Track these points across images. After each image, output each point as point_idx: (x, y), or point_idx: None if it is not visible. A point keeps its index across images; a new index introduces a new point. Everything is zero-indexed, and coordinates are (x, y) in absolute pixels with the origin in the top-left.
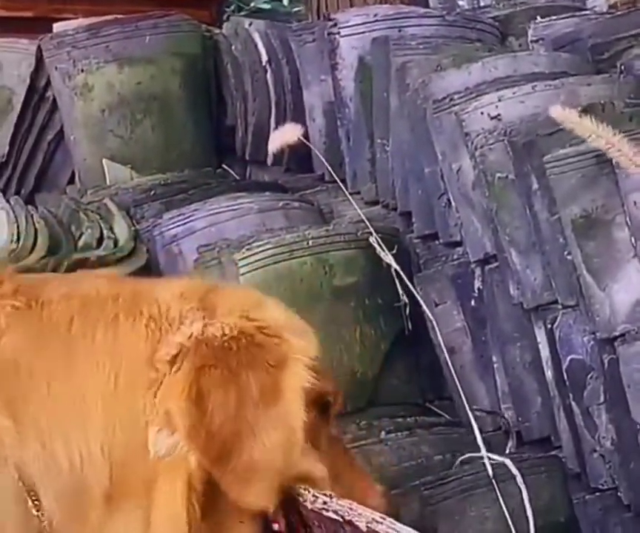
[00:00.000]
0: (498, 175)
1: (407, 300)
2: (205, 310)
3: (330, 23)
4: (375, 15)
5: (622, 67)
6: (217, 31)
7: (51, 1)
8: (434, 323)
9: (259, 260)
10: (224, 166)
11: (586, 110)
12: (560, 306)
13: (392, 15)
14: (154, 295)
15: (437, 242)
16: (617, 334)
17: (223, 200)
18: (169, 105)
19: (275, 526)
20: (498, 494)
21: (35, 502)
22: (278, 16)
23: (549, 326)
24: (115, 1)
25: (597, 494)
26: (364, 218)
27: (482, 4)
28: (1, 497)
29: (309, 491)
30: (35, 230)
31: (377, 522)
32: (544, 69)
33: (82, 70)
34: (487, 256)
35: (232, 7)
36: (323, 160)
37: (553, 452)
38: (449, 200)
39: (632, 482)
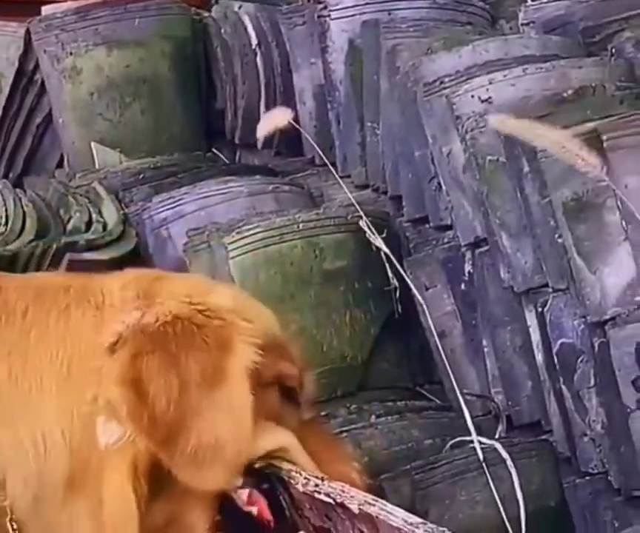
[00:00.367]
0: (489, 158)
1: (397, 284)
2: (145, 298)
3: (320, 6)
4: None
5: (613, 50)
6: (206, 14)
7: None
8: (424, 306)
9: (249, 243)
10: (213, 149)
11: (577, 93)
12: (550, 290)
13: None
14: (101, 286)
15: (427, 226)
16: (607, 317)
17: (212, 183)
18: (158, 88)
19: (253, 509)
20: (489, 478)
21: None
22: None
23: (539, 309)
24: None
25: (587, 477)
26: (354, 201)
27: None
28: None
29: (300, 474)
30: (24, 213)
31: (369, 504)
32: (535, 52)
33: (71, 53)
34: (477, 240)
35: None
36: (313, 143)
37: (543, 436)
38: (439, 183)
39: (623, 466)
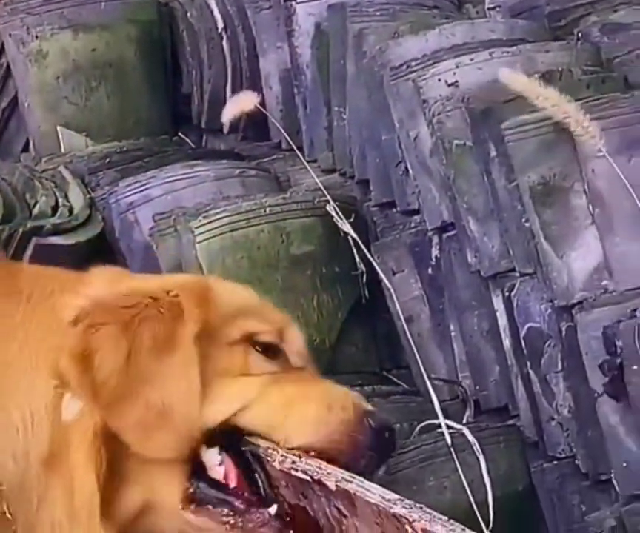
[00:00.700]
0: (456, 142)
1: (364, 269)
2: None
3: None
4: None
5: (579, 35)
6: None
7: None
8: (392, 291)
9: (216, 227)
10: (180, 134)
11: (544, 77)
12: (518, 274)
13: None
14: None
15: (394, 210)
16: (575, 301)
17: (179, 168)
18: (124, 72)
19: (219, 470)
20: (457, 463)
21: None
22: None
23: (506, 294)
24: None
25: (555, 462)
26: (321, 186)
27: None
28: None
29: (277, 451)
30: None
31: (346, 480)
32: (502, 36)
33: (36, 37)
34: (444, 224)
35: None
36: (280, 127)
37: (511, 421)
38: (406, 168)
39: (590, 450)
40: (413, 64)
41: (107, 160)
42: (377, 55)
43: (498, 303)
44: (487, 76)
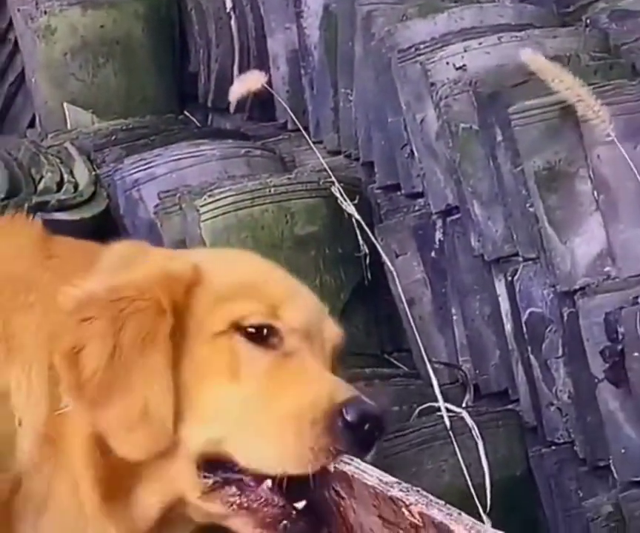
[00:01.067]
0: (463, 125)
1: (367, 251)
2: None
3: None
4: None
5: (587, 21)
6: None
7: None
8: (394, 273)
9: (221, 206)
10: (186, 112)
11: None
12: (521, 259)
13: None
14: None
15: (399, 193)
16: (577, 287)
17: (185, 146)
18: (132, 50)
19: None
20: (456, 446)
21: None
22: None
23: (509, 278)
24: None
25: (553, 447)
26: (326, 166)
27: None
28: None
29: None
30: None
31: (345, 463)
32: (510, 21)
33: (45, 12)
34: (448, 207)
35: None
36: (286, 107)
37: (510, 405)
38: (412, 150)
39: (588, 436)
40: (421, 46)
41: (113, 137)
42: (385, 38)
43: (500, 288)
44: (495, 60)
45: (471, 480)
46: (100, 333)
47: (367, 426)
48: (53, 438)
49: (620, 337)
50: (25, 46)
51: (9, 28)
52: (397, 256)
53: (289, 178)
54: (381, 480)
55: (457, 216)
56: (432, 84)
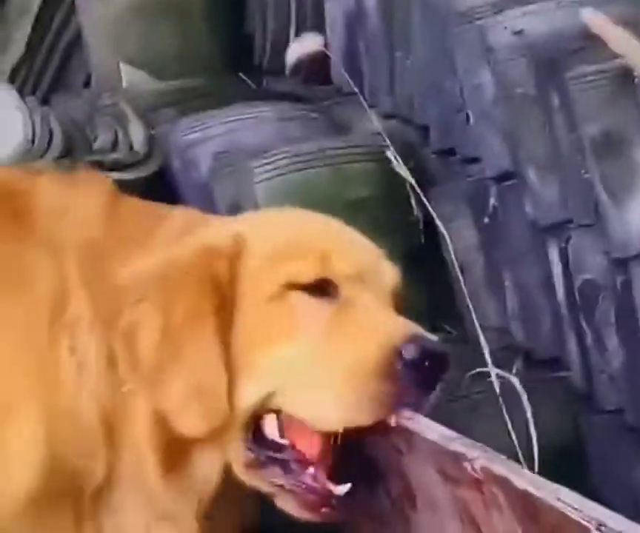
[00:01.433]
0: (519, 90)
1: (421, 216)
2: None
3: None
4: None
5: None
6: None
7: None
8: (448, 239)
9: (275, 168)
10: (240, 74)
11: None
12: (575, 225)
13: None
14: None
15: (453, 158)
16: (632, 254)
17: (240, 107)
18: (187, 10)
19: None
20: (505, 413)
21: None
22: None
23: (562, 245)
24: None
25: (604, 415)
26: (381, 131)
27: None
28: None
29: None
30: (50, 130)
31: (406, 418)
32: None
33: None
34: (503, 173)
35: None
36: (342, 70)
37: (562, 373)
38: (467, 115)
39: (639, 404)
40: (479, 10)
41: (168, 97)
42: (442, 2)
43: (553, 254)
44: (554, 25)
45: (520, 446)
46: (150, 313)
47: (427, 363)
48: (123, 414)
49: None
50: (82, 6)
51: None
52: (450, 222)
53: (344, 141)
54: (442, 435)
55: (512, 182)
56: (490, 49)
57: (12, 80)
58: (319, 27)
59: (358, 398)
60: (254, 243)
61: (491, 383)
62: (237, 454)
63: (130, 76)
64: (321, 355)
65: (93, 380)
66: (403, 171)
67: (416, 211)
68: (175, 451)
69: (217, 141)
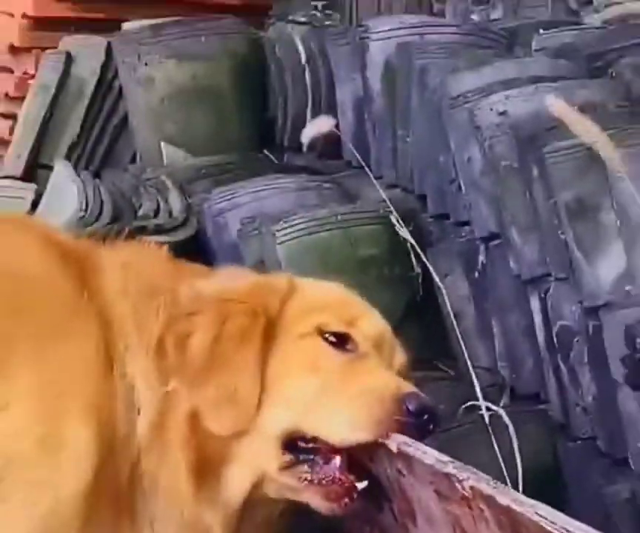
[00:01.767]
0: (504, 163)
1: (420, 271)
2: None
3: (362, 29)
4: (401, 23)
5: (613, 74)
6: (263, 34)
7: (120, 5)
8: (443, 291)
9: (294, 231)
10: (265, 151)
11: (582, 109)
12: (552, 279)
13: (415, 24)
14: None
15: (448, 221)
16: (601, 303)
17: (264, 179)
18: (220, 97)
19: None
20: (494, 440)
21: None
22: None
23: (542, 295)
24: (177, 6)
25: (579, 442)
26: (385, 198)
27: (492, 17)
28: None
29: None
30: (102, 200)
31: (407, 444)
32: (546, 73)
33: (146, 64)
34: (490, 234)
35: (273, 20)
36: (351, 147)
37: (542, 406)
38: (459, 185)
39: (610, 432)
40: (469, 95)
41: (203, 171)
42: (438, 88)
43: (534, 304)
44: (533, 107)
45: (506, 469)
46: (206, 324)
47: (425, 416)
48: (162, 423)
49: (638, 346)
50: (128, 92)
51: (115, 77)
52: (445, 276)
53: (353, 208)
54: (437, 459)
55: (498, 242)
56: (478, 128)
57: (68, 157)
58: (332, 109)
59: (367, 415)
60: (303, 291)
61: (481, 414)
62: (273, 459)
63: (170, 153)
64: (337, 386)
65: (143, 399)
66: (404, 233)
67: (416, 267)
68: (207, 464)
69: (244, 208)
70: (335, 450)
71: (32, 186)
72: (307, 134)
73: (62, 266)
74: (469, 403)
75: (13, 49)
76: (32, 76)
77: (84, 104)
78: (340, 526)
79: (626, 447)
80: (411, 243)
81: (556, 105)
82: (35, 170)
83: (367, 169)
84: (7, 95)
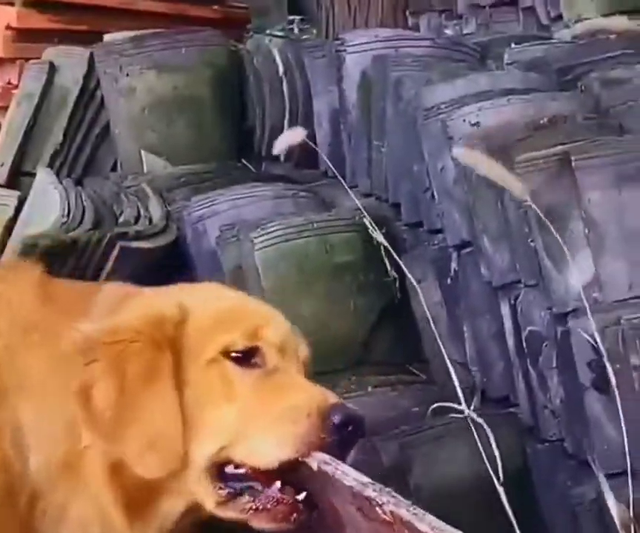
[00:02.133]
0: (476, 173)
1: (395, 276)
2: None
3: (338, 42)
4: (376, 36)
5: (582, 87)
6: (241, 46)
7: (102, 17)
8: (420, 295)
9: (272, 238)
10: (243, 160)
11: (551, 120)
12: (522, 285)
13: (390, 37)
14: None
15: (421, 229)
16: (569, 309)
17: (242, 188)
18: (199, 107)
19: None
20: (476, 436)
21: None
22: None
23: (512, 301)
24: (158, 19)
25: (547, 444)
26: (360, 206)
27: (465, 32)
28: None
29: None
30: (83, 207)
31: (327, 463)
32: (517, 86)
33: (127, 75)
34: (463, 242)
35: (251, 33)
36: (325, 158)
37: (511, 408)
38: (433, 193)
39: (577, 435)
40: (442, 106)
41: (182, 179)
42: (412, 99)
43: (504, 309)
44: (505, 118)
45: (479, 469)
46: (104, 374)
47: (350, 428)
48: (70, 463)
49: (604, 351)
50: (110, 102)
51: (97, 87)
52: (418, 282)
53: (329, 215)
54: (357, 481)
55: (470, 249)
56: (451, 138)
57: (51, 165)
58: (309, 120)
59: (293, 433)
60: (196, 312)
61: (451, 417)
62: (207, 496)
63: (150, 162)
64: (256, 410)
65: (34, 438)
66: (379, 236)
67: (391, 271)
68: (137, 496)
69: (223, 215)
70: (273, 472)
71: (16, 193)
72: (279, 146)
73: None
74: (438, 405)
75: None
76: (16, 86)
77: (67, 113)
78: None
79: (592, 449)
80: (386, 248)
81: (464, 154)
82: (18, 177)
83: (340, 178)
84: None
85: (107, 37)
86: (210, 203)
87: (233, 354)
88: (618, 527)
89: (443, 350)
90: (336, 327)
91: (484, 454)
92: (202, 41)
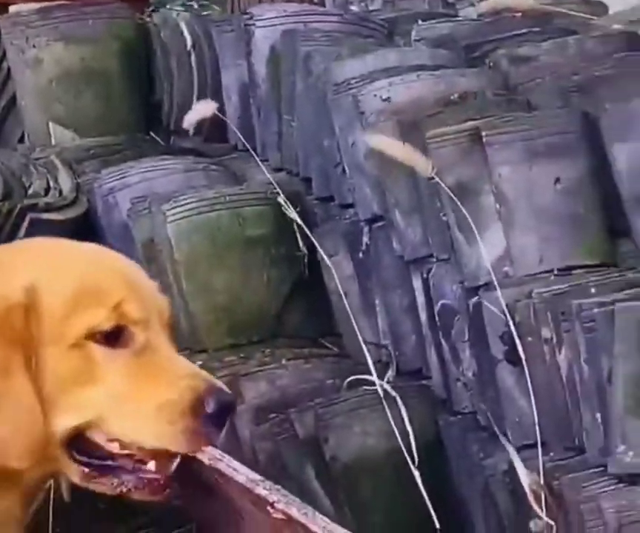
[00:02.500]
0: None
1: (306, 251)
2: None
3: (247, 16)
4: (285, 11)
5: (490, 64)
6: (149, 19)
7: None
8: (332, 269)
9: (184, 211)
10: (151, 133)
11: (461, 96)
12: (435, 259)
13: (299, 12)
14: None
15: (332, 203)
16: (481, 283)
17: (152, 160)
18: (107, 79)
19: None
20: (387, 410)
21: None
22: None
23: (424, 275)
24: None
25: (459, 416)
26: (272, 180)
27: (371, 8)
28: None
29: None
30: None
31: (217, 459)
32: (427, 62)
33: (34, 46)
34: (374, 216)
35: (152, 7)
36: (236, 131)
37: (424, 381)
38: (344, 168)
39: (489, 407)
40: (353, 81)
41: (92, 152)
42: (322, 74)
43: (417, 283)
44: (415, 94)
45: (393, 441)
46: None
47: (224, 412)
48: None
49: (515, 324)
50: (16, 74)
51: (3, 58)
52: (330, 257)
53: (241, 189)
54: (248, 478)
55: (381, 223)
56: (362, 113)
57: None
58: (218, 93)
59: (173, 431)
60: (47, 293)
61: (369, 389)
62: (70, 471)
63: (59, 134)
64: (129, 396)
65: None
66: (292, 213)
67: (302, 247)
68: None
69: (134, 188)
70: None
71: None
72: (190, 119)
73: None
74: (352, 378)
75: None
76: None
77: None
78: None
79: (504, 421)
80: (298, 224)
81: (377, 141)
82: None
83: (252, 151)
84: None
85: (12, 8)
86: (120, 176)
87: (97, 336)
88: (529, 496)
89: (355, 324)
90: (249, 300)
91: (395, 429)
92: (109, 13)
